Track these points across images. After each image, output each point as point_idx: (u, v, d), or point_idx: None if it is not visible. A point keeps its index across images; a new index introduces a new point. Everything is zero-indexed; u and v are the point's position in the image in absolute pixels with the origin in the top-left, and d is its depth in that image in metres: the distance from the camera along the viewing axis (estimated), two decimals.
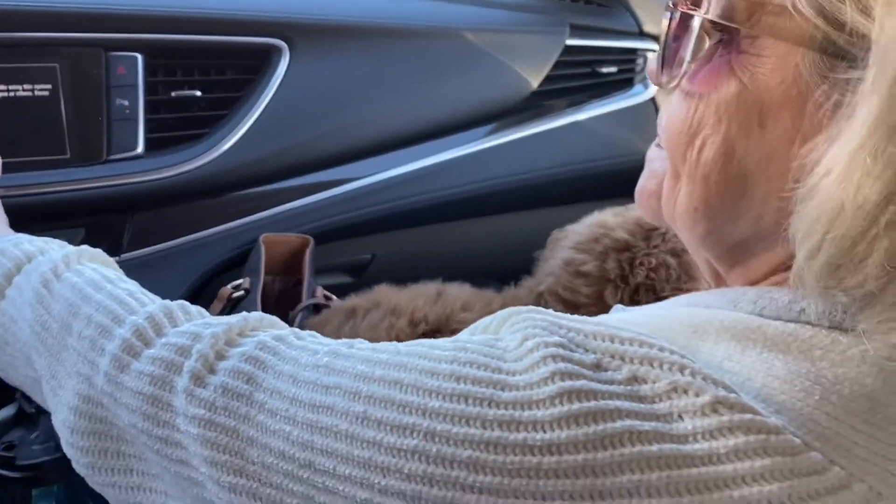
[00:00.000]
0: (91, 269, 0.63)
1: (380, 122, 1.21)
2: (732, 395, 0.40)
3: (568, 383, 0.40)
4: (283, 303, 1.07)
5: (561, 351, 0.42)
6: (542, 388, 0.40)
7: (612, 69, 1.42)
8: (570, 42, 1.35)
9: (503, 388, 0.41)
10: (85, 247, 0.68)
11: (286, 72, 1.11)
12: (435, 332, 0.86)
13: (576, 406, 0.39)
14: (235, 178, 1.11)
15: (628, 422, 0.39)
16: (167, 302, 0.58)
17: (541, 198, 1.37)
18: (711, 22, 0.47)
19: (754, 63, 0.45)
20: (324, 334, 0.86)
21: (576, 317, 0.45)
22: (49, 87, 1.01)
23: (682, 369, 0.41)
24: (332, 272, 1.32)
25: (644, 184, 0.55)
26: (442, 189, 1.27)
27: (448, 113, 1.27)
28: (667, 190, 0.51)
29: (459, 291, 0.94)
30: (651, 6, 1.47)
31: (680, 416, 0.39)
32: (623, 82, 1.44)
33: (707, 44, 0.49)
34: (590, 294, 0.83)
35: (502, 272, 1.15)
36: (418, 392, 0.42)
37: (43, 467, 0.83)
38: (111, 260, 0.70)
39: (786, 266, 0.47)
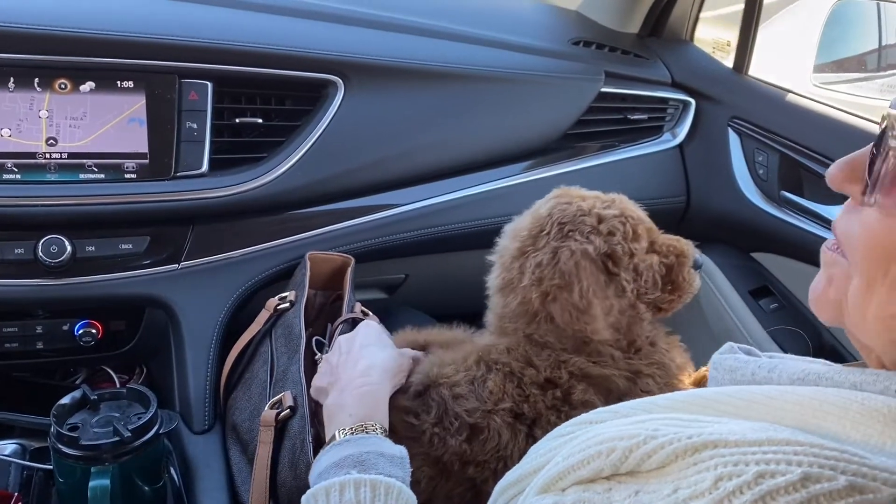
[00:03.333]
0: None
1: (423, 155, 1.31)
2: None
3: None
4: (323, 315, 1.16)
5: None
6: None
7: (643, 116, 1.49)
8: (605, 89, 1.43)
9: None
10: None
11: (340, 105, 1.22)
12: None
13: None
14: (288, 199, 1.21)
15: None
16: None
17: None
18: None
19: None
20: None
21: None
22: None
23: None
24: (368, 288, 1.42)
25: (823, 291, 0.55)
26: (475, 219, 1.35)
27: (486, 149, 1.36)
28: (856, 298, 0.51)
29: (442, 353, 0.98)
30: (683, 60, 1.55)
31: None
32: (652, 129, 1.51)
33: None
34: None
35: None
36: None
37: (101, 448, 0.92)
38: None
39: None
